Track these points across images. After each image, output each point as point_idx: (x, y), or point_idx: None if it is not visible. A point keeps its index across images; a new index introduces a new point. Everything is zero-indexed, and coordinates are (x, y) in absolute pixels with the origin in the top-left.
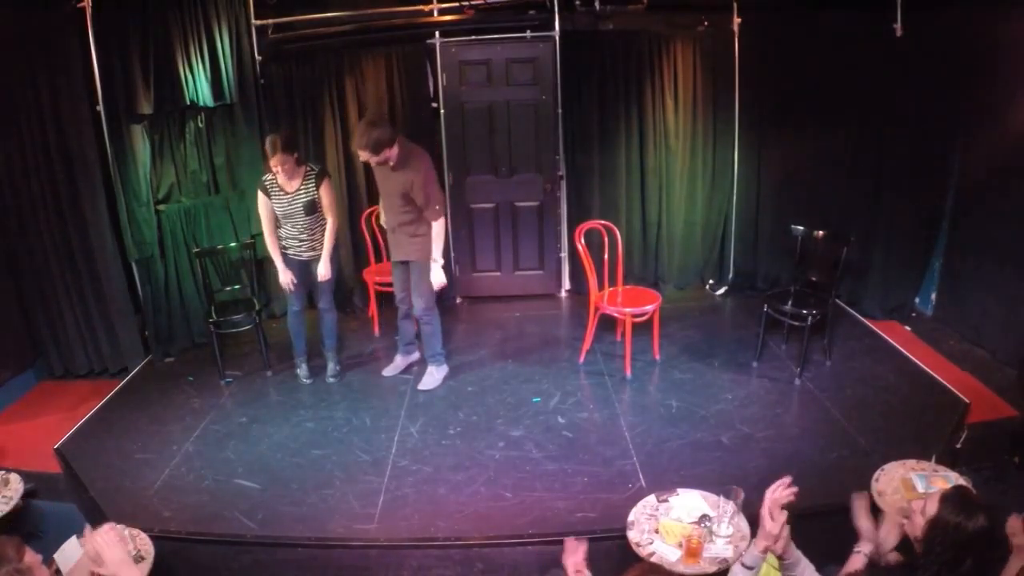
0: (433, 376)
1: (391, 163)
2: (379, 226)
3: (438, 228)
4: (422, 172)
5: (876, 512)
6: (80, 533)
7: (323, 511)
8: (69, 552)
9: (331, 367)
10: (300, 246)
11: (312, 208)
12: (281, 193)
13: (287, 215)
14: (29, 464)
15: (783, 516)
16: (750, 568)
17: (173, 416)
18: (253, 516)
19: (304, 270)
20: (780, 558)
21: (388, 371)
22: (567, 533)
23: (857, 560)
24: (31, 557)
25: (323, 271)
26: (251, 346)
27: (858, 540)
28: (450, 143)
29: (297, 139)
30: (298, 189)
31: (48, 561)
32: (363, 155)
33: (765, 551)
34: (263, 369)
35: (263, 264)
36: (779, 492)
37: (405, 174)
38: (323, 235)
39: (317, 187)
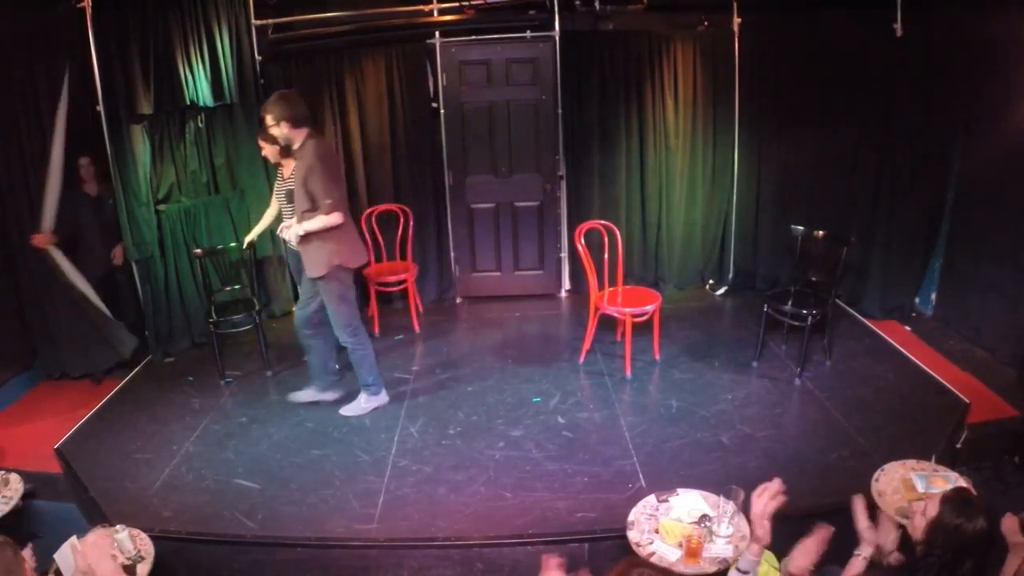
0: (359, 404)
1: (294, 147)
2: (379, 226)
3: (326, 220)
4: (318, 158)
5: (875, 513)
6: (80, 533)
7: (323, 511)
8: (69, 553)
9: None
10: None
11: (292, 198)
12: (280, 178)
13: (277, 199)
14: (29, 464)
15: (768, 519)
16: (745, 573)
17: (173, 416)
18: (253, 516)
19: (299, 261)
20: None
21: (295, 396)
22: (567, 533)
23: (857, 563)
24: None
25: (287, 230)
26: (251, 346)
27: (858, 543)
28: (450, 143)
29: None
30: (288, 177)
31: (48, 561)
32: (266, 119)
33: (759, 555)
34: (263, 369)
35: (263, 264)
36: (766, 499)
37: (302, 161)
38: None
39: None
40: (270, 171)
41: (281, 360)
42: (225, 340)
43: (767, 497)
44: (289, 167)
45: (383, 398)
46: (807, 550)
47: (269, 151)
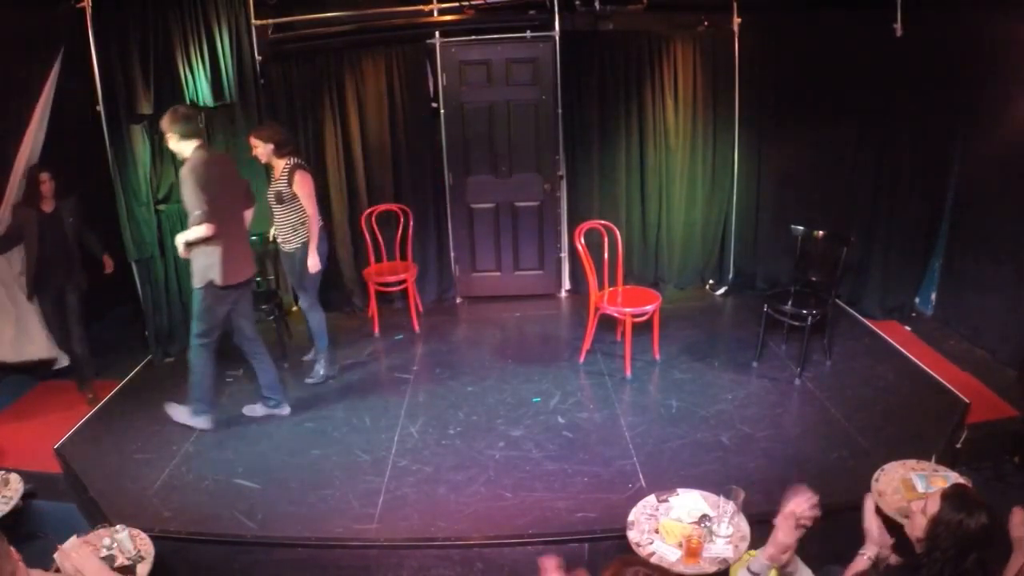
0: (180, 412)
1: (184, 158)
2: (379, 226)
3: (195, 231)
4: (190, 170)
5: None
6: (80, 533)
7: (323, 511)
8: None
9: (315, 367)
10: (278, 236)
11: (280, 199)
12: (272, 180)
13: (268, 199)
14: (29, 464)
15: (798, 532)
16: (756, 575)
17: None
18: (253, 516)
19: (286, 261)
20: (782, 567)
21: (248, 409)
22: (567, 533)
23: (861, 562)
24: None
25: (310, 263)
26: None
27: (864, 542)
28: (450, 143)
29: (277, 133)
30: (277, 179)
31: (48, 561)
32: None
33: (772, 559)
34: (280, 360)
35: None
36: (801, 508)
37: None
38: (293, 228)
39: (289, 181)
40: (270, 170)
41: (299, 351)
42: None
43: (803, 504)
44: (279, 168)
45: (203, 423)
46: (781, 529)
47: (260, 150)
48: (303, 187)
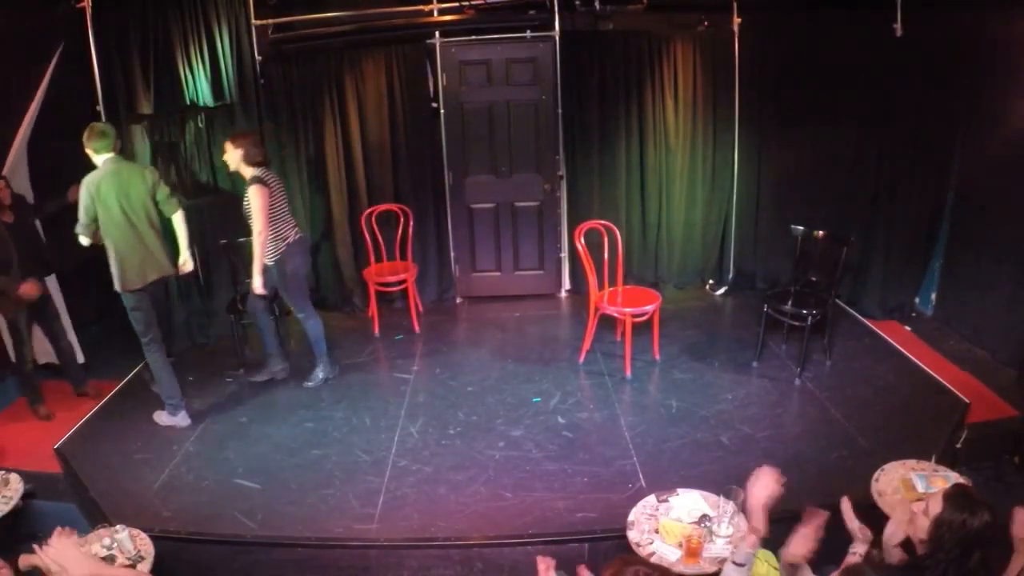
0: (160, 416)
1: None
2: (379, 226)
3: (82, 240)
4: (83, 184)
5: (875, 513)
6: (81, 533)
7: (323, 511)
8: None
9: (314, 371)
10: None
11: (248, 213)
12: None
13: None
14: (29, 464)
15: (767, 513)
16: (741, 565)
17: None
18: (253, 516)
19: (265, 271)
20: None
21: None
22: (567, 533)
23: (852, 562)
24: None
25: (253, 284)
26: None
27: (852, 542)
28: (450, 143)
29: (247, 144)
30: (246, 192)
31: None
32: None
33: (756, 547)
34: (280, 361)
35: None
36: (759, 487)
37: None
38: (269, 242)
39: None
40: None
41: (300, 352)
42: (227, 336)
43: (760, 485)
44: (248, 180)
45: (181, 419)
46: (804, 537)
47: (228, 155)
48: (254, 201)
